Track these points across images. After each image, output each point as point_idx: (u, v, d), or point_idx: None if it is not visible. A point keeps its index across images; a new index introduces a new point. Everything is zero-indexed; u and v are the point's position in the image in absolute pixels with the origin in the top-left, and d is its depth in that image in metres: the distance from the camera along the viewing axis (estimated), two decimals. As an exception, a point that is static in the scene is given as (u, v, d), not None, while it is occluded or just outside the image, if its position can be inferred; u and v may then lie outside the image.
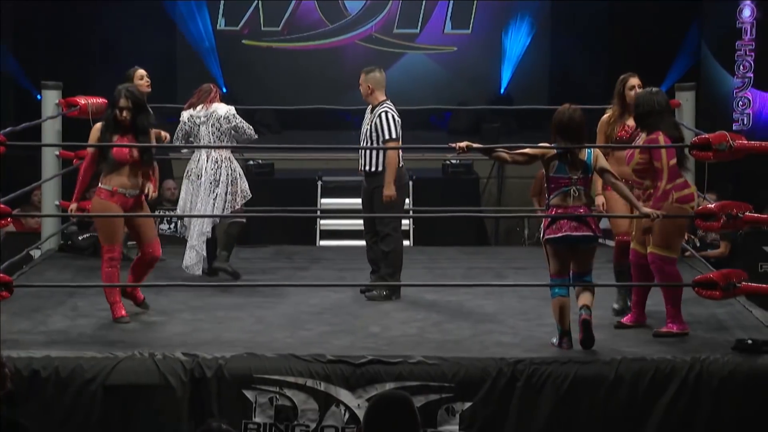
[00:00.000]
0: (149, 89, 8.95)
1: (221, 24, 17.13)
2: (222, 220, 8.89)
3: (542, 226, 6.92)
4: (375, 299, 8.07)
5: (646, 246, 7.05)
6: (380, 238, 8.27)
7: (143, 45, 16.04)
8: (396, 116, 8.21)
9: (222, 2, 17.06)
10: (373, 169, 8.24)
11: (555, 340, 6.83)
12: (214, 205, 8.63)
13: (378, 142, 8.16)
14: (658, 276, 7.00)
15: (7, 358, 6.41)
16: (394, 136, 8.15)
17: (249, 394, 6.46)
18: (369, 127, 8.23)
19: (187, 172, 8.79)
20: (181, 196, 8.81)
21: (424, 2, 17.09)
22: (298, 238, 11.77)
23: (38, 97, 10.19)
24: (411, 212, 10.84)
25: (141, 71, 8.99)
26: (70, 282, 8.45)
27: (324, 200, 12.78)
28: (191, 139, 8.78)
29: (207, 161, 8.69)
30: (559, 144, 6.78)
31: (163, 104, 10.24)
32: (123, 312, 7.39)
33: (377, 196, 8.21)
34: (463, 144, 6.83)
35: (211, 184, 8.65)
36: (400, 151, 8.26)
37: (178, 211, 8.78)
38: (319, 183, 12.83)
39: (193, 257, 8.69)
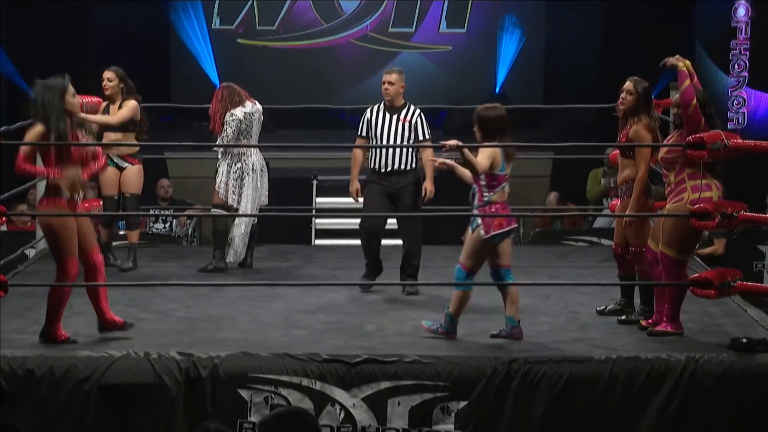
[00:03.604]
0: (110, 93, 8.98)
1: (216, 23, 17.13)
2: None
3: (481, 224, 6.89)
4: (413, 294, 8.22)
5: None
6: (409, 236, 8.33)
7: (138, 44, 16.07)
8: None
9: (217, 1, 17.06)
10: (403, 167, 8.30)
11: (437, 326, 6.97)
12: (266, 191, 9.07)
13: (415, 142, 8.25)
14: (664, 275, 6.98)
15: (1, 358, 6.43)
16: (430, 136, 8.42)
17: (244, 394, 6.45)
18: (405, 125, 8.28)
19: (241, 170, 8.81)
20: (246, 193, 8.83)
21: (419, 1, 17.11)
22: (293, 237, 11.79)
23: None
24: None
25: (104, 73, 9.06)
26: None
27: (319, 199, 12.79)
28: (242, 136, 8.82)
29: (256, 153, 8.92)
30: (499, 141, 6.92)
31: (157, 103, 10.25)
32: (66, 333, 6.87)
33: (406, 195, 8.26)
34: (453, 142, 6.85)
35: (262, 172, 8.96)
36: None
37: (248, 207, 8.82)
38: (315, 182, 12.84)
39: (232, 255, 8.93)
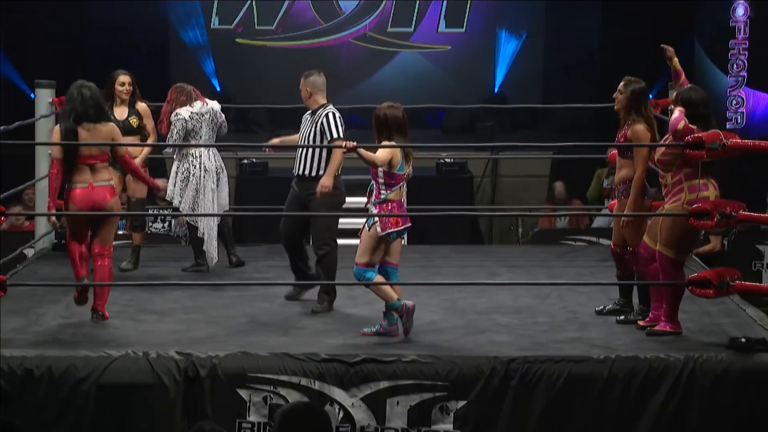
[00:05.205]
0: (128, 97, 8.97)
1: (215, 23, 17.13)
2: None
3: (378, 221, 6.95)
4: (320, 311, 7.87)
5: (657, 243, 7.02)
6: (322, 243, 8.05)
7: (137, 43, 16.06)
8: (340, 117, 7.98)
9: (216, 1, 17.06)
10: (313, 173, 7.95)
11: (378, 328, 7.05)
12: (227, 194, 8.99)
13: (323, 143, 7.89)
14: (661, 275, 6.98)
15: None
16: (341, 135, 7.87)
17: (243, 393, 6.46)
18: (312, 129, 7.95)
19: (188, 171, 8.76)
20: (201, 194, 8.77)
21: (418, 1, 17.10)
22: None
23: (32, 96, 10.18)
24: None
25: (122, 77, 9.01)
26: (64, 281, 8.43)
27: (318, 199, 12.75)
28: (190, 137, 8.78)
29: (209, 153, 8.82)
30: (398, 141, 6.93)
31: (156, 103, 10.25)
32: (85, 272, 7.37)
33: (313, 202, 7.99)
34: (351, 144, 6.92)
35: (218, 174, 8.86)
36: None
37: (208, 209, 8.77)
38: (313, 182, 12.80)
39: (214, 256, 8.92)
